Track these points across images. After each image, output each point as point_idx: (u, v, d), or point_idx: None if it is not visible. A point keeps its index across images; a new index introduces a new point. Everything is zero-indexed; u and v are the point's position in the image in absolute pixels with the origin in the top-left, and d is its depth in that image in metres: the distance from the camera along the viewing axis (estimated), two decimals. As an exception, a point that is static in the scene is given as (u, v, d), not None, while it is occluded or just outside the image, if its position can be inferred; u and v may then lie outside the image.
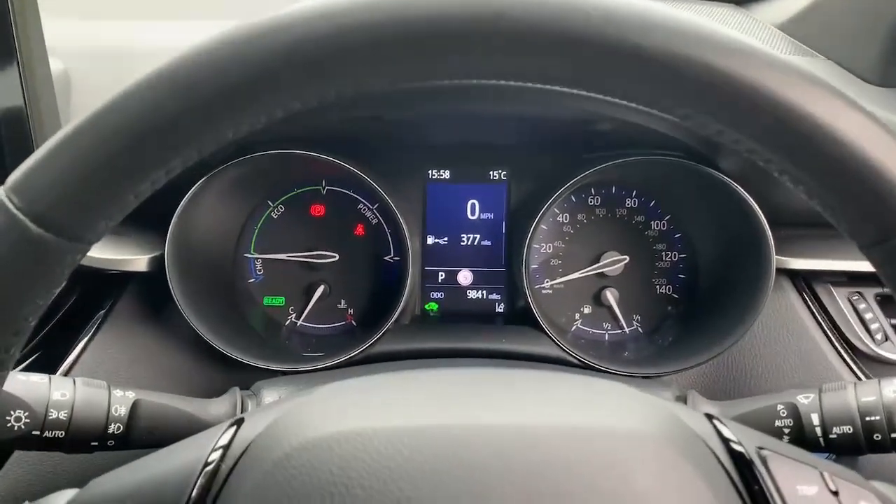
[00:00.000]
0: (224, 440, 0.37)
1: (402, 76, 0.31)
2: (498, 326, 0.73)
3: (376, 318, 0.71)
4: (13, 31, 0.54)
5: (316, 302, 0.73)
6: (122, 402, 0.49)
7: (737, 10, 1.12)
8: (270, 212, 0.73)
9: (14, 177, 0.34)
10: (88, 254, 0.50)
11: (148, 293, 0.65)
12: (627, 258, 0.72)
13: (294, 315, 0.74)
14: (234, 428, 0.38)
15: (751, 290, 0.63)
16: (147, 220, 0.63)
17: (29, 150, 0.56)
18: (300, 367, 0.64)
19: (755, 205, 0.63)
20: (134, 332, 0.64)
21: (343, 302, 0.74)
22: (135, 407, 0.49)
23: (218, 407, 0.53)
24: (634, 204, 0.74)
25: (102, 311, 0.64)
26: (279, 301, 0.74)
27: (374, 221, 0.74)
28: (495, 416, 0.36)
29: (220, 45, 0.31)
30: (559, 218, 0.73)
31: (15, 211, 0.33)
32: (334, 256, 0.73)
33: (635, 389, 0.41)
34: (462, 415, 0.36)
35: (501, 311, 0.75)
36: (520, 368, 0.59)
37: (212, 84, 0.32)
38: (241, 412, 0.53)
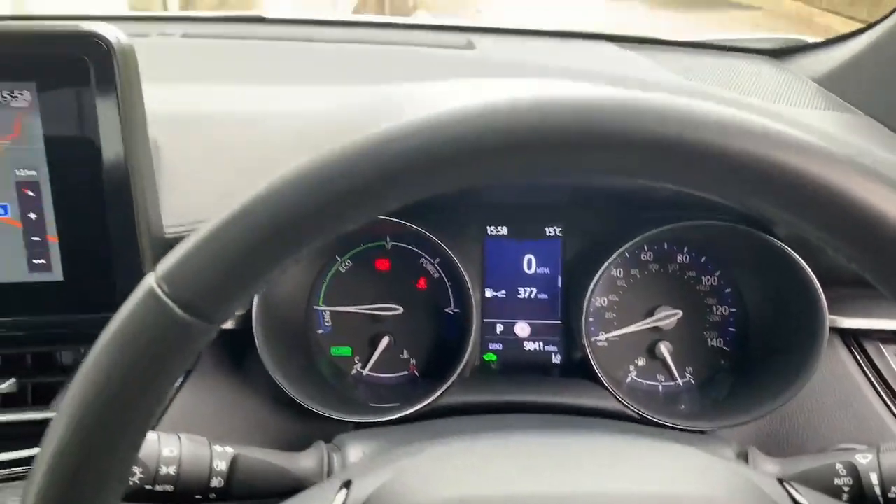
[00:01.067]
0: (338, 503, 0.40)
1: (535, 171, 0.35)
2: (555, 378, 0.76)
3: (438, 368, 0.75)
4: (118, 102, 0.59)
5: (381, 353, 0.77)
6: (222, 457, 0.52)
7: (772, 63, 1.15)
8: (338, 266, 0.77)
9: (164, 267, 0.38)
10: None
11: (229, 347, 0.69)
12: (681, 313, 0.76)
13: (360, 364, 0.78)
14: (345, 490, 0.41)
15: (803, 349, 0.66)
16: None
17: (131, 220, 0.61)
18: (371, 418, 0.68)
19: (808, 268, 0.66)
20: (217, 384, 0.68)
21: (406, 352, 0.78)
22: (234, 461, 0.53)
23: (306, 461, 0.56)
24: (686, 259, 0.77)
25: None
26: (346, 351, 0.78)
27: (436, 275, 0.78)
28: (586, 484, 0.39)
29: (356, 151, 0.36)
30: (613, 272, 0.77)
31: (165, 298, 0.37)
32: (398, 309, 0.76)
33: (710, 455, 0.44)
34: (555, 483, 0.39)
35: (558, 362, 0.78)
36: (597, 430, 0.62)
37: (346, 185, 0.36)
38: (328, 466, 0.56)
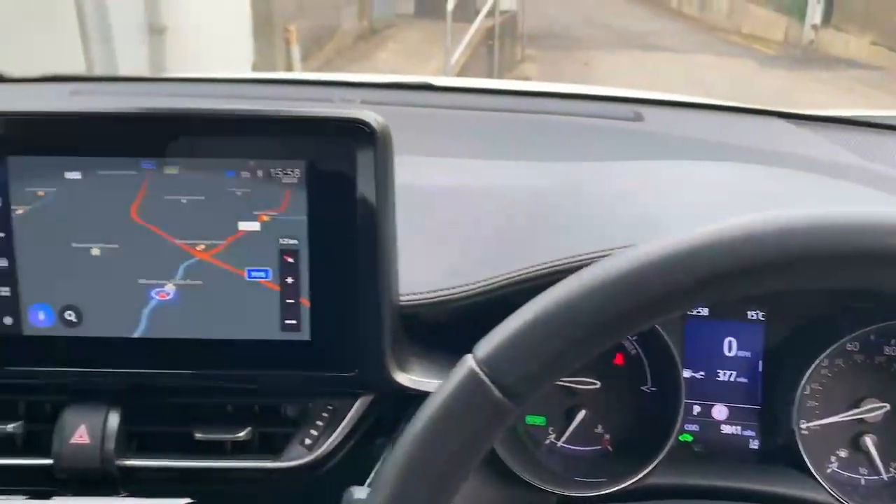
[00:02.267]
0: None
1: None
2: (755, 464, 0.76)
3: (632, 446, 0.76)
4: (376, 180, 0.64)
5: (576, 425, 0.78)
6: (468, 525, 0.55)
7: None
8: (538, 337, 0.79)
9: (485, 350, 0.42)
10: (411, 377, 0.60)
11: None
12: (888, 406, 0.74)
13: (553, 435, 0.79)
14: None
15: None
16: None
17: (377, 289, 0.65)
18: (580, 493, 0.69)
19: None
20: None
21: (600, 427, 0.79)
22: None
23: None
24: (893, 351, 0.75)
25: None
26: (540, 421, 0.80)
27: (633, 352, 0.79)
28: None
29: (681, 251, 0.39)
30: (819, 361, 0.76)
31: (486, 380, 0.41)
32: (596, 384, 0.78)
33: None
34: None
35: (756, 447, 0.78)
36: None
37: (671, 285, 0.39)
38: None
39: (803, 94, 6.94)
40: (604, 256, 0.66)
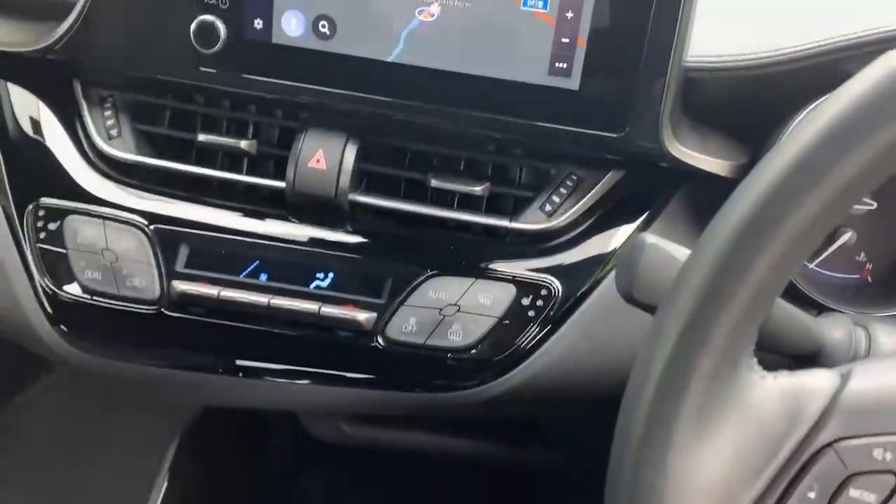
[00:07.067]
0: None
1: None
2: None
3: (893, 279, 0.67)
4: None
5: (836, 248, 0.69)
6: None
7: None
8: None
9: None
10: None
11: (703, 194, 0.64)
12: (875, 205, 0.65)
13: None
14: None
15: None
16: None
17: (669, 44, 0.56)
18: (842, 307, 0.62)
19: None
20: (684, 231, 0.64)
21: (863, 255, 0.70)
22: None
23: (836, 331, 0.51)
24: None
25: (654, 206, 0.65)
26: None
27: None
28: None
29: None
30: None
31: None
32: (872, 205, 0.68)
33: None
34: None
35: None
36: None
37: None
38: (855, 343, 0.50)
39: None
40: None
